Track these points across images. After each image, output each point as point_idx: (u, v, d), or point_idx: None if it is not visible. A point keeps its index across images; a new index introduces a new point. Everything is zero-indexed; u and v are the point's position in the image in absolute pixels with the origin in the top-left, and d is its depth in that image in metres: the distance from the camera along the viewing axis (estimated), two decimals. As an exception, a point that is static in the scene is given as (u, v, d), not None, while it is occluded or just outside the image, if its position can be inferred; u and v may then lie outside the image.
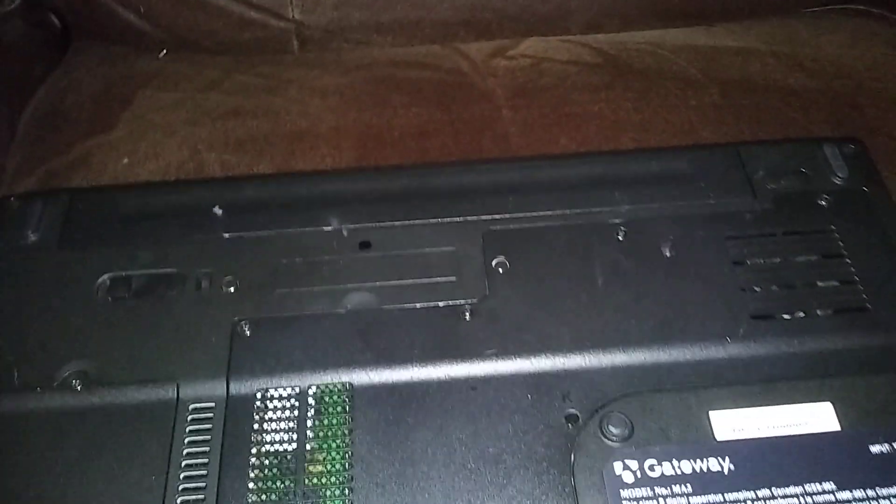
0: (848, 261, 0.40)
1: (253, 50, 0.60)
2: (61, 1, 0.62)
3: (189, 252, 0.40)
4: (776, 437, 0.34)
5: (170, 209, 0.43)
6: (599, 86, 0.55)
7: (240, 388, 0.35)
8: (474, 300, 0.37)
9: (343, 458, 0.33)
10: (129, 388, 0.35)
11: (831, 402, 0.35)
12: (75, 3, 0.61)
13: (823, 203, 0.42)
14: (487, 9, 0.60)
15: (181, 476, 0.33)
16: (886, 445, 0.34)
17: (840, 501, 0.33)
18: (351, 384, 0.35)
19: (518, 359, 0.36)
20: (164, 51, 0.61)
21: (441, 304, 0.37)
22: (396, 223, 0.41)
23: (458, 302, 0.37)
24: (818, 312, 0.38)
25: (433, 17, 0.59)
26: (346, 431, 0.34)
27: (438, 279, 0.38)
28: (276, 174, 0.50)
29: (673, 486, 0.32)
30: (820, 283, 0.39)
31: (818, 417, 0.35)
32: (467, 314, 0.37)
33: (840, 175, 0.44)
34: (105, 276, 0.39)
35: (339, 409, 0.34)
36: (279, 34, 0.59)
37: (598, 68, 0.57)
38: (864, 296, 0.39)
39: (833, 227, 0.41)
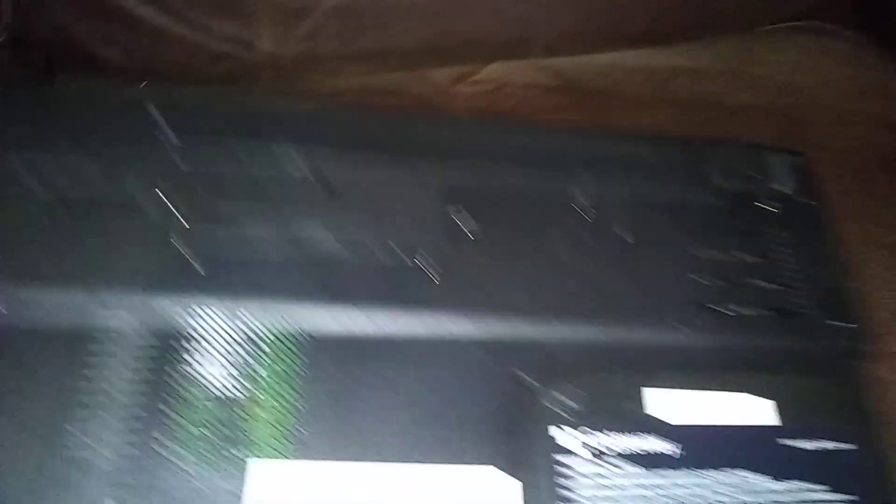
0: (789, 266, 0.42)
1: (228, 80, 0.63)
2: (44, 37, 0.64)
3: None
4: (716, 426, 0.37)
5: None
6: (557, 108, 0.58)
7: (179, 319, 0.35)
8: (434, 259, 0.38)
9: (287, 405, 0.33)
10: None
11: (769, 398, 0.38)
12: (57, 40, 0.64)
13: (768, 208, 0.45)
14: (452, 36, 0.63)
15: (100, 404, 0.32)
16: (815, 443, 0.37)
17: (774, 492, 0.35)
18: (302, 331, 0.35)
19: (473, 320, 0.37)
20: (145, 83, 0.63)
21: (400, 259, 0.38)
22: (365, 173, 0.41)
23: (417, 259, 0.38)
24: (760, 311, 0.41)
25: (400, 45, 0.62)
26: (293, 378, 0.34)
27: (399, 235, 0.39)
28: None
29: (614, 460, 0.35)
30: (763, 284, 0.42)
31: (755, 411, 0.37)
32: (427, 272, 0.38)
33: (784, 184, 0.47)
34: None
35: (286, 355, 0.34)
36: (252, 65, 0.62)
37: (555, 91, 0.60)
38: (803, 301, 0.41)
39: (778, 232, 0.44)
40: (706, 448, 0.36)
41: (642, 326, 0.39)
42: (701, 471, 0.35)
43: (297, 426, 0.33)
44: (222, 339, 0.35)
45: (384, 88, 0.61)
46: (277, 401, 0.34)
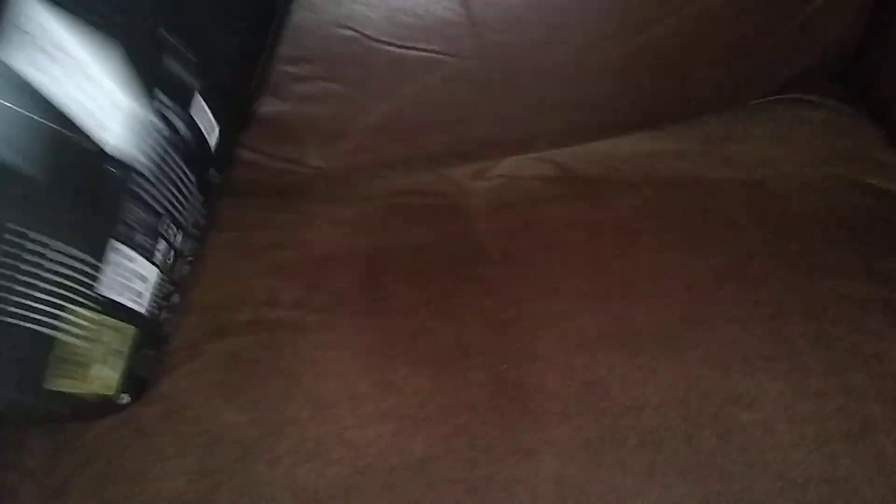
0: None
1: (287, 191, 0.76)
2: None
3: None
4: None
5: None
6: (558, 195, 0.68)
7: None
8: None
9: None
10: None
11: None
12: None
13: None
14: (470, 140, 0.74)
15: None
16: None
17: None
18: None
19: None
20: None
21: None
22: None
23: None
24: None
25: (426, 151, 0.74)
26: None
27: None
28: None
29: None
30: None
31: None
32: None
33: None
34: None
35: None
36: (305, 177, 0.75)
37: (557, 181, 0.70)
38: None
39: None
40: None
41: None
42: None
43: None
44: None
45: (411, 189, 0.73)
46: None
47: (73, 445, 0.54)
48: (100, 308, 0.48)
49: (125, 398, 0.53)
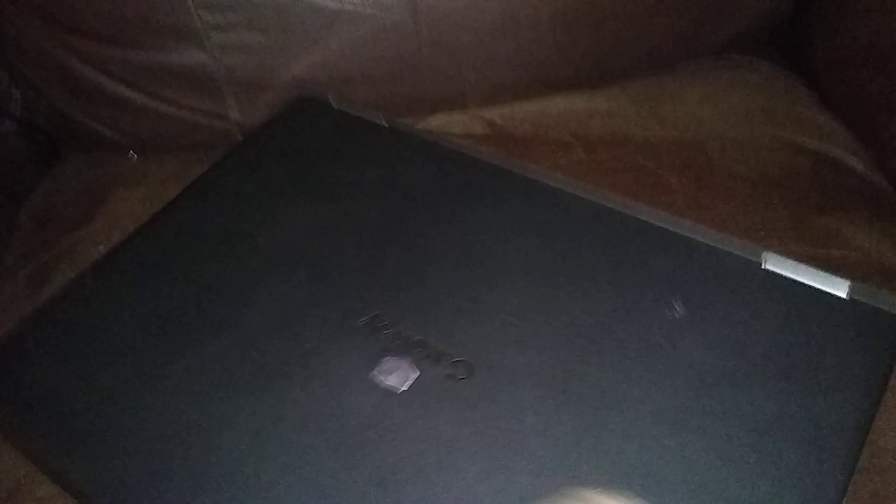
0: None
1: (206, 145, 0.72)
2: (49, 120, 0.75)
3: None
4: None
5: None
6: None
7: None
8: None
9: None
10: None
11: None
12: (60, 121, 0.74)
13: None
14: (398, 95, 0.71)
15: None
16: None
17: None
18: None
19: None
20: (133, 154, 0.73)
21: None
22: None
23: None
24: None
25: (351, 103, 0.71)
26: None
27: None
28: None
29: None
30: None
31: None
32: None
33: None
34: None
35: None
36: (224, 132, 0.71)
37: (486, 139, 0.68)
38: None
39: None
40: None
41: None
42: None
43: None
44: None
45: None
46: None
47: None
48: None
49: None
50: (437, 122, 0.70)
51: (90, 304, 0.49)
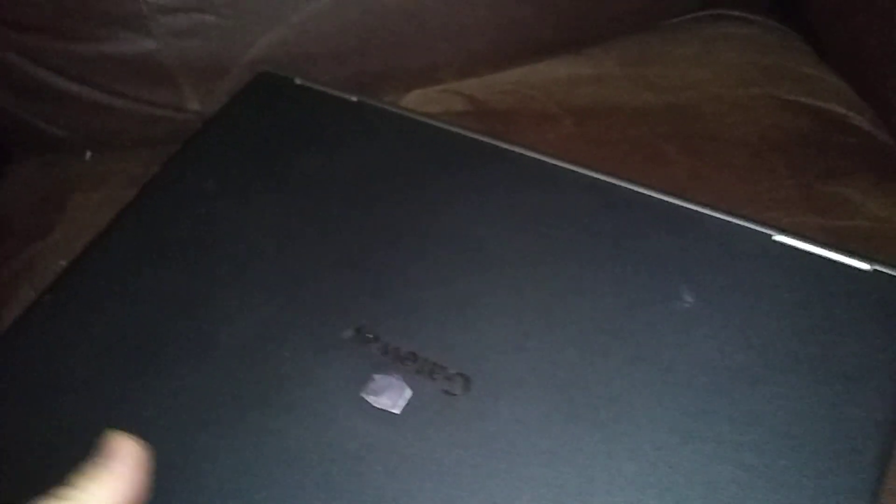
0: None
1: (167, 140, 0.67)
2: (-6, 123, 0.69)
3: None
4: None
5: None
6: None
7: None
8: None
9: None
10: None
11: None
12: (6, 123, 0.69)
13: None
14: (368, 72, 0.66)
15: None
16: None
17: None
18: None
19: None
20: (89, 153, 0.68)
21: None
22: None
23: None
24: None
25: (319, 88, 0.66)
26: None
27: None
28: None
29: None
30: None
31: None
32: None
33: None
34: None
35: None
36: (184, 124, 0.66)
37: (467, 115, 0.63)
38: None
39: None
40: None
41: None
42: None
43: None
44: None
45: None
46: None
47: None
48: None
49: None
50: (413, 101, 0.66)
51: (44, 334, 0.45)
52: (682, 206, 0.43)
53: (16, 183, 0.69)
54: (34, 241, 0.63)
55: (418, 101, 0.65)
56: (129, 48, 0.62)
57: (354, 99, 0.53)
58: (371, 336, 0.40)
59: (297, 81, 0.56)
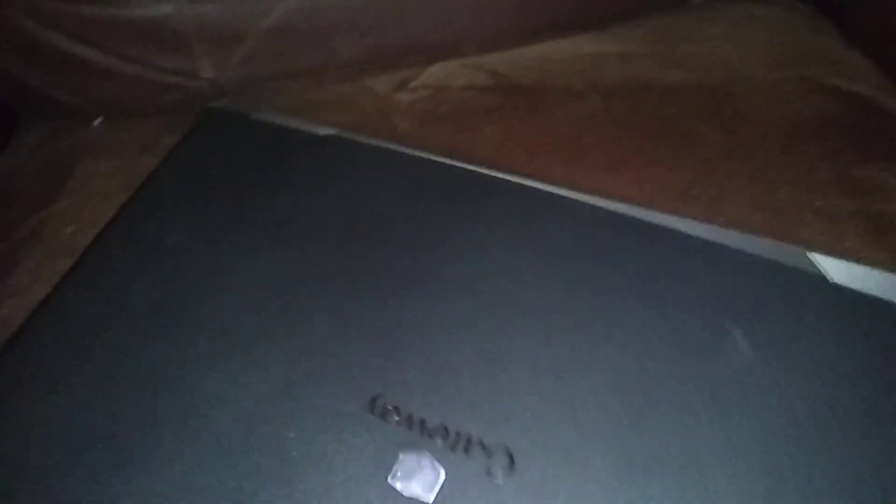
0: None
1: (178, 109, 0.65)
2: (3, 88, 0.67)
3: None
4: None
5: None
6: (491, 108, 0.60)
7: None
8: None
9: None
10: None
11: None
12: (15, 89, 0.66)
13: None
14: (387, 45, 0.64)
15: None
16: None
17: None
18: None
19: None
20: (100, 119, 0.66)
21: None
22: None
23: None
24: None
25: (336, 59, 0.64)
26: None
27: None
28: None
29: None
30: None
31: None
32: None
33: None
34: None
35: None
36: (197, 92, 0.64)
37: (490, 91, 0.61)
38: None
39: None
40: None
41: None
42: None
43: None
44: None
45: (328, 102, 0.64)
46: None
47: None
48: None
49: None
50: (436, 75, 0.64)
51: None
52: (725, 246, 0.38)
53: (22, 149, 0.67)
54: (40, 208, 0.61)
55: (440, 76, 0.64)
56: (142, 12, 0.60)
57: (319, 132, 0.48)
58: (391, 407, 0.35)
59: (253, 117, 0.50)
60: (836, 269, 0.37)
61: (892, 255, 0.48)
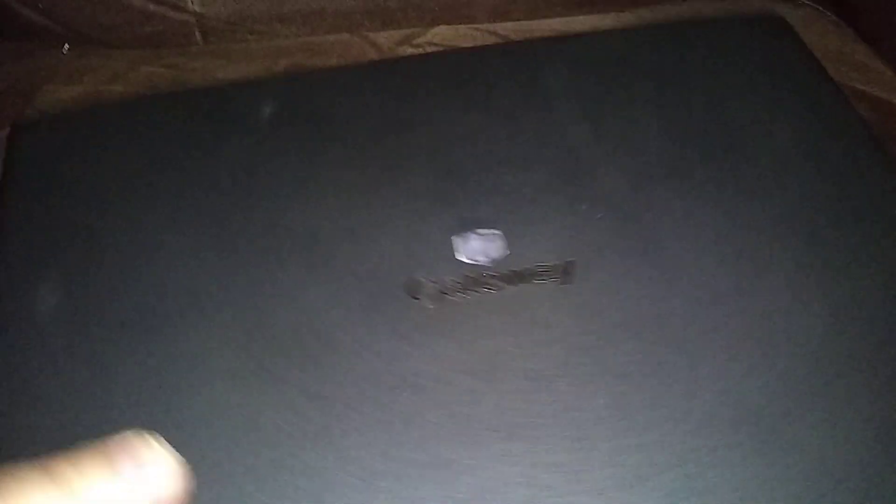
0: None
1: (157, 43, 0.60)
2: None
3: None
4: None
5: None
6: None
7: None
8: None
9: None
10: None
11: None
12: (-24, 1, 0.60)
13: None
14: (390, 2, 0.60)
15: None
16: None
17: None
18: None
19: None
20: (67, 45, 0.60)
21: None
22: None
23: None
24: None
25: (336, 6, 0.59)
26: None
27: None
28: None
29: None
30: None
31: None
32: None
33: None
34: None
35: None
36: (181, 26, 0.59)
37: (498, 54, 0.57)
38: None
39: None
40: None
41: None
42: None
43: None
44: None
45: (324, 49, 0.59)
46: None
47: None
48: None
49: None
50: (442, 34, 0.59)
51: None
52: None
53: (-20, 68, 0.60)
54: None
55: (448, 35, 0.59)
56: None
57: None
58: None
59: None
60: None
61: None
